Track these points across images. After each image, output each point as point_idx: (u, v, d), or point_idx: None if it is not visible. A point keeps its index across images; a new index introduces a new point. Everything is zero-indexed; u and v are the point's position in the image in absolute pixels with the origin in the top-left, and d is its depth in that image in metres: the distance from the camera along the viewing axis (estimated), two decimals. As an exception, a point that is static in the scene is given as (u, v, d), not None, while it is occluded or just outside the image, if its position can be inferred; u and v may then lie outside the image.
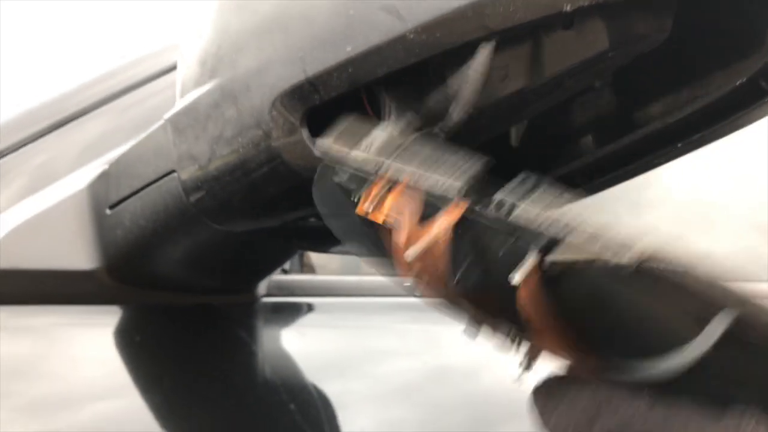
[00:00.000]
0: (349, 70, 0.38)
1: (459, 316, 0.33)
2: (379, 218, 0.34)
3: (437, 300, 0.33)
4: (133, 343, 0.61)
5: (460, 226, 0.29)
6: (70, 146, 0.67)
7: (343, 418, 0.62)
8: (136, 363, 0.60)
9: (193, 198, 0.49)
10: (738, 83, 0.35)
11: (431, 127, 0.40)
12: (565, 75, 0.35)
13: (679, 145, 0.39)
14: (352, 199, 0.36)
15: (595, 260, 0.24)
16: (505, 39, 0.36)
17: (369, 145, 0.37)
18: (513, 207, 0.27)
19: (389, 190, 0.33)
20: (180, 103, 0.50)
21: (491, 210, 0.27)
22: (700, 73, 0.37)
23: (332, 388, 0.63)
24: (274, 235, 0.53)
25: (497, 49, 0.36)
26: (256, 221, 0.50)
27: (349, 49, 0.38)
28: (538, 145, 0.47)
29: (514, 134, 0.46)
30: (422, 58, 0.36)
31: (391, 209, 0.33)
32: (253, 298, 0.66)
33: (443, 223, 0.30)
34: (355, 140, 0.37)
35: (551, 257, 0.25)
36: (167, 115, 0.52)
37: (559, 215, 0.25)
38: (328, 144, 0.37)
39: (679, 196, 0.99)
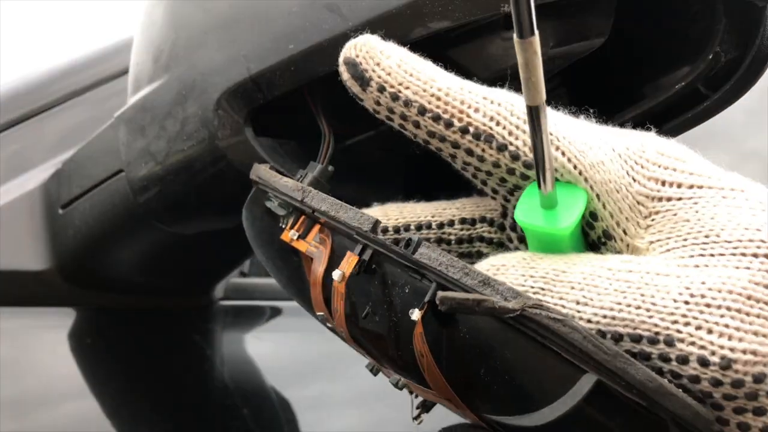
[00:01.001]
0: (292, 69, 0.38)
1: (356, 350, 0.34)
2: (303, 247, 0.34)
3: (346, 336, 0.34)
4: (84, 346, 0.60)
5: (372, 262, 0.30)
6: (45, 137, 0.66)
7: (298, 423, 0.61)
8: (86, 366, 0.59)
9: (141, 198, 0.49)
10: (677, 87, 0.35)
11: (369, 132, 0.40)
12: (504, 78, 0.35)
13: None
14: (280, 225, 0.36)
15: (484, 300, 0.25)
16: (446, 40, 0.35)
17: (304, 175, 0.37)
18: (419, 244, 0.28)
19: (316, 220, 0.33)
20: (130, 101, 0.50)
21: (401, 246, 0.28)
22: (639, 77, 0.37)
23: (289, 393, 0.63)
24: (228, 237, 0.52)
25: (439, 49, 0.36)
26: (205, 223, 0.50)
27: (291, 47, 0.38)
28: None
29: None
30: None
31: (313, 240, 0.34)
32: (210, 301, 0.65)
33: (351, 257, 0.31)
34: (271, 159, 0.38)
35: (442, 294, 0.26)
36: (117, 113, 0.51)
37: (456, 260, 0.27)
38: (263, 168, 0.37)
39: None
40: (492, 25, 0.35)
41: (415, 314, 0.27)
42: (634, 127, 0.37)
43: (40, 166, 0.63)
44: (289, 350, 0.67)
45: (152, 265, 0.58)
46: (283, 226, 0.36)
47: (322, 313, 0.35)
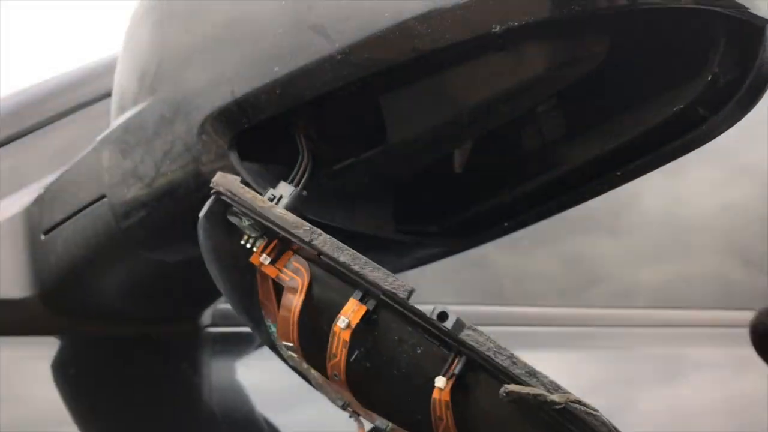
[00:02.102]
0: (277, 92, 0.37)
1: (327, 394, 0.36)
2: (272, 273, 0.34)
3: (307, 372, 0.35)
4: (68, 376, 0.58)
5: (378, 314, 0.32)
6: (28, 160, 0.66)
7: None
8: (70, 397, 0.57)
9: (123, 224, 0.48)
10: (676, 109, 0.34)
11: (358, 156, 0.40)
12: (500, 99, 0.34)
13: (619, 173, 0.38)
14: (243, 243, 0.35)
15: (540, 395, 0.29)
16: (437, 62, 0.35)
17: (276, 198, 0.36)
18: (462, 325, 0.31)
19: (289, 247, 0.33)
20: (113, 123, 0.49)
21: (433, 316, 0.31)
22: (639, 99, 0.37)
23: (278, 421, 0.61)
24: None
25: (429, 73, 0.35)
26: (189, 250, 0.48)
27: (276, 69, 0.37)
28: (483, 170, 0.46)
29: (458, 160, 0.45)
30: (351, 80, 0.35)
31: (285, 267, 0.34)
32: (197, 328, 0.64)
33: (357, 306, 0.32)
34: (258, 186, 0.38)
35: (510, 388, 0.29)
36: (100, 137, 0.50)
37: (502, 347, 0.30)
38: (235, 183, 0.36)
39: (656, 220, 1.00)
40: (481, 46, 0.34)
41: (441, 382, 0.31)
42: (634, 149, 0.37)
43: (23, 190, 0.62)
44: (279, 377, 0.65)
45: (137, 292, 0.57)
46: (247, 246, 0.36)
47: (290, 344, 0.35)
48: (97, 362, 0.60)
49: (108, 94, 0.69)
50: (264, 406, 0.63)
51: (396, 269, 0.55)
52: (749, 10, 0.30)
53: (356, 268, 0.32)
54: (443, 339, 0.31)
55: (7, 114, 0.69)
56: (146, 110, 0.44)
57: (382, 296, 0.32)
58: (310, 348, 0.35)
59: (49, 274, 0.56)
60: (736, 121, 0.34)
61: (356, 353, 0.33)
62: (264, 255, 0.35)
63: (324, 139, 0.41)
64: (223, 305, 0.69)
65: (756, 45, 0.32)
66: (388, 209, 0.46)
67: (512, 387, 0.29)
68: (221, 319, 0.66)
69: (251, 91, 0.37)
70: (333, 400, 0.37)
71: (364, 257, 0.32)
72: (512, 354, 0.30)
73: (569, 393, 0.29)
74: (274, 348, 0.39)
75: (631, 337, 0.86)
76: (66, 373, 0.58)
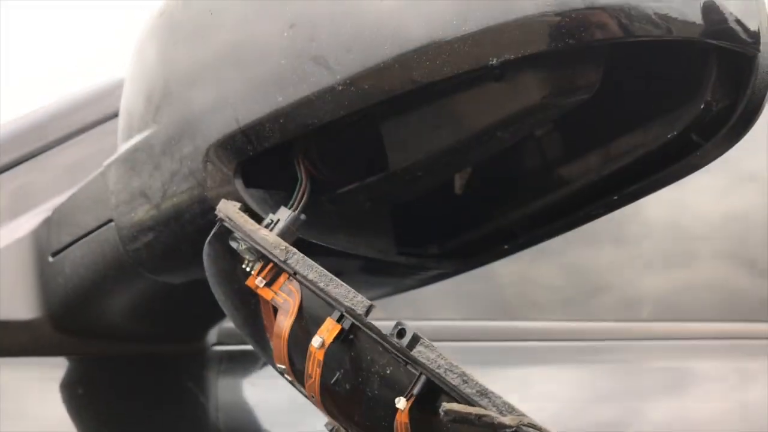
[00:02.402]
0: (281, 121, 0.38)
1: (320, 410, 0.36)
2: (268, 296, 0.34)
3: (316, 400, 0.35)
4: (76, 396, 0.59)
5: (351, 332, 0.32)
6: (35, 182, 0.66)
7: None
8: (79, 417, 0.58)
9: (130, 248, 0.48)
10: (670, 136, 0.35)
11: (360, 182, 0.40)
12: (498, 126, 0.35)
13: (615, 197, 0.38)
14: (244, 267, 0.37)
15: (485, 416, 0.27)
16: (437, 90, 0.35)
17: (273, 222, 0.37)
18: (416, 340, 0.30)
19: (282, 271, 0.34)
20: (120, 149, 0.50)
21: (392, 336, 0.30)
22: (634, 125, 0.37)
23: (283, 439, 0.62)
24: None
25: (429, 101, 0.36)
26: (194, 273, 0.49)
27: (280, 99, 0.37)
28: (483, 192, 0.47)
29: (458, 182, 0.46)
30: (353, 110, 0.35)
31: (280, 289, 0.35)
32: (203, 347, 0.64)
33: (332, 325, 0.32)
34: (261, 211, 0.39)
35: (448, 406, 0.28)
36: (107, 161, 0.51)
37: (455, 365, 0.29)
38: (233, 209, 0.37)
39: (660, 229, 1.00)
40: (479, 77, 0.34)
41: (401, 403, 0.30)
42: (630, 174, 0.37)
43: (30, 212, 0.63)
44: (284, 395, 0.66)
45: (143, 313, 0.58)
46: (248, 269, 0.37)
47: (283, 367, 0.35)
48: (104, 382, 0.60)
49: (113, 115, 0.70)
50: (269, 423, 0.63)
51: (399, 290, 0.55)
52: (740, 42, 0.31)
53: (321, 284, 0.32)
54: (402, 357, 0.30)
55: (13, 136, 0.69)
56: (153, 137, 0.45)
57: (344, 312, 0.32)
58: (300, 369, 0.35)
59: (57, 295, 0.57)
60: (729, 148, 0.34)
61: (337, 375, 0.34)
62: (259, 278, 0.36)
63: (327, 164, 0.42)
64: (229, 324, 0.69)
65: (747, 74, 0.32)
66: (389, 232, 0.46)
67: (451, 406, 0.28)
68: (227, 338, 0.66)
69: (255, 120, 0.38)
70: (326, 424, 0.37)
71: (332, 275, 0.33)
72: (464, 372, 0.29)
73: (523, 415, 0.28)
74: (277, 370, 0.39)
75: (636, 351, 0.87)
76: (74, 392, 0.59)
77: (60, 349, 0.59)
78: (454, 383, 0.28)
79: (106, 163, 0.51)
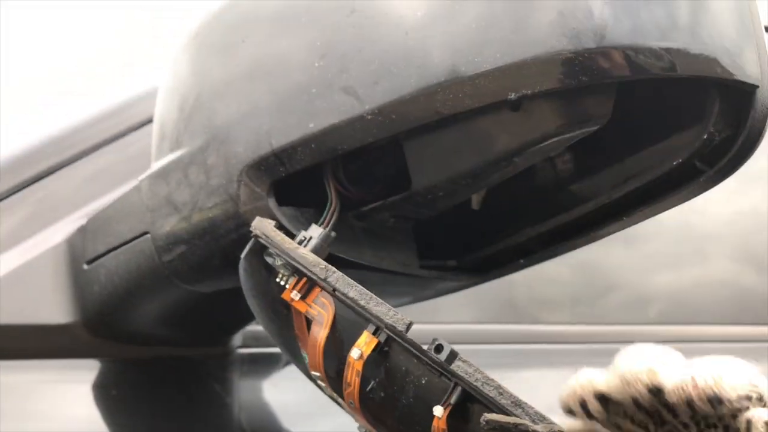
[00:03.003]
0: (312, 146, 0.40)
1: (355, 416, 0.38)
2: (303, 308, 0.37)
3: (355, 408, 0.37)
4: (109, 397, 0.62)
5: (387, 345, 0.34)
6: (67, 190, 0.68)
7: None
8: (111, 417, 0.61)
9: (165, 259, 0.51)
10: (676, 163, 0.37)
11: (384, 200, 0.43)
12: (514, 153, 0.37)
13: (624, 218, 0.41)
14: (278, 281, 0.39)
15: (521, 424, 0.30)
16: (458, 118, 0.38)
17: (306, 239, 0.40)
18: (454, 356, 0.32)
19: (315, 285, 0.36)
20: (153, 166, 0.52)
21: (431, 351, 0.33)
22: (643, 153, 0.40)
23: (305, 438, 0.64)
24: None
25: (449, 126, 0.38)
26: (225, 282, 0.52)
27: (312, 125, 0.40)
28: (499, 209, 0.49)
29: (476, 199, 0.48)
30: (379, 138, 0.38)
31: (314, 302, 0.37)
32: (229, 350, 0.67)
33: (369, 338, 0.35)
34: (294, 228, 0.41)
35: (489, 417, 0.30)
36: (142, 177, 0.54)
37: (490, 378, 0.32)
38: (270, 227, 0.39)
39: (673, 228, 1.00)
40: (499, 107, 0.37)
41: (438, 411, 0.32)
42: (639, 197, 0.40)
43: (63, 219, 0.65)
44: (306, 396, 0.69)
45: (173, 319, 0.60)
46: (282, 283, 0.40)
47: (318, 374, 0.37)
48: (135, 383, 0.63)
49: (138, 126, 0.73)
50: (289, 423, 0.66)
51: (417, 300, 0.58)
52: (741, 78, 0.34)
53: (362, 302, 0.35)
54: (439, 370, 0.33)
55: (41, 147, 0.71)
56: (187, 156, 0.48)
57: (384, 329, 0.34)
58: (335, 377, 0.38)
59: (91, 301, 0.59)
60: (730, 174, 0.37)
61: (372, 383, 0.36)
62: (294, 291, 0.39)
63: (353, 183, 0.45)
64: (252, 328, 0.72)
65: (747, 108, 0.35)
66: (412, 247, 0.49)
67: (492, 416, 0.30)
68: (252, 341, 0.69)
69: (288, 144, 0.41)
70: (358, 427, 0.40)
71: (370, 293, 0.35)
72: (500, 385, 0.31)
73: (554, 423, 0.30)
74: (309, 377, 0.42)
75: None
76: (108, 393, 0.62)
77: (94, 351, 0.61)
78: (491, 395, 0.31)
79: (140, 178, 0.54)
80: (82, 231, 0.62)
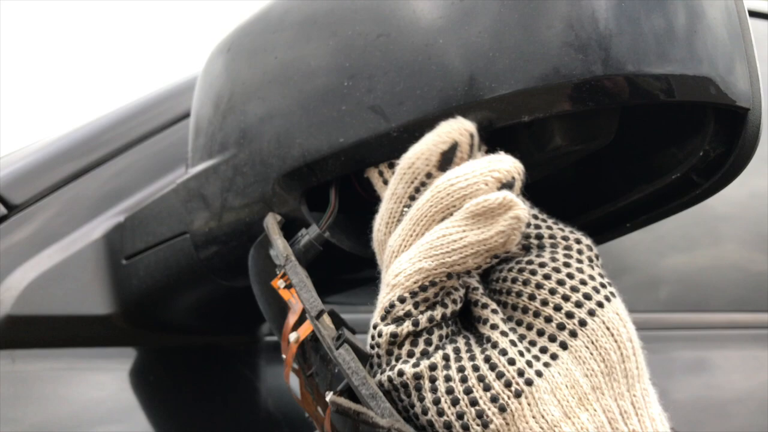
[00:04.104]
0: (342, 158, 0.44)
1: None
2: (286, 296, 0.41)
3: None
4: (147, 382, 0.66)
5: (316, 339, 0.38)
6: (103, 187, 0.71)
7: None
8: (149, 400, 0.65)
9: (203, 256, 0.55)
10: (674, 177, 0.41)
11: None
12: (525, 167, 0.40)
13: (628, 224, 0.44)
14: (275, 270, 0.43)
15: (363, 413, 0.33)
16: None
17: (302, 236, 0.44)
18: (342, 343, 0.35)
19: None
20: (191, 171, 0.56)
21: (334, 339, 0.36)
22: (644, 168, 0.43)
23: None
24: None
25: None
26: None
27: (342, 140, 0.43)
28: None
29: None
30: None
31: (294, 294, 0.41)
32: (257, 338, 0.71)
33: (308, 325, 0.38)
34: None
35: (332, 397, 0.34)
36: (180, 180, 0.57)
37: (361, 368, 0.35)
38: (272, 220, 0.43)
39: (686, 210, 0.98)
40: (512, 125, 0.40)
41: (329, 396, 0.34)
42: (641, 207, 0.43)
43: (99, 216, 0.69)
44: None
45: (208, 311, 0.65)
46: (277, 272, 0.43)
47: (284, 357, 0.42)
48: (171, 369, 0.68)
49: (172, 122, 0.76)
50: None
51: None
52: (733, 101, 0.37)
53: (297, 288, 0.39)
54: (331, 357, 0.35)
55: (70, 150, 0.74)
56: (223, 164, 0.51)
57: (307, 315, 0.37)
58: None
59: (131, 294, 0.64)
60: (725, 186, 0.40)
61: (313, 368, 0.39)
62: (281, 280, 0.42)
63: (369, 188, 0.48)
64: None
65: (739, 127, 0.38)
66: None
67: (336, 398, 0.33)
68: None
69: (319, 157, 0.44)
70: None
71: (306, 283, 0.39)
72: (366, 376, 0.33)
73: (400, 421, 0.31)
74: None
75: (661, 341, 0.90)
76: (146, 379, 0.66)
77: (133, 340, 0.66)
78: (355, 384, 0.33)
79: (178, 181, 0.57)
80: (119, 228, 0.66)
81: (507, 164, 0.36)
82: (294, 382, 0.46)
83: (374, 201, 0.49)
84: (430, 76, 0.40)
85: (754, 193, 1.05)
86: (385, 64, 0.42)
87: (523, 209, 0.35)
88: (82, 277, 0.65)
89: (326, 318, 0.37)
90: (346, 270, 0.57)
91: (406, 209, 0.38)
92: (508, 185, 0.35)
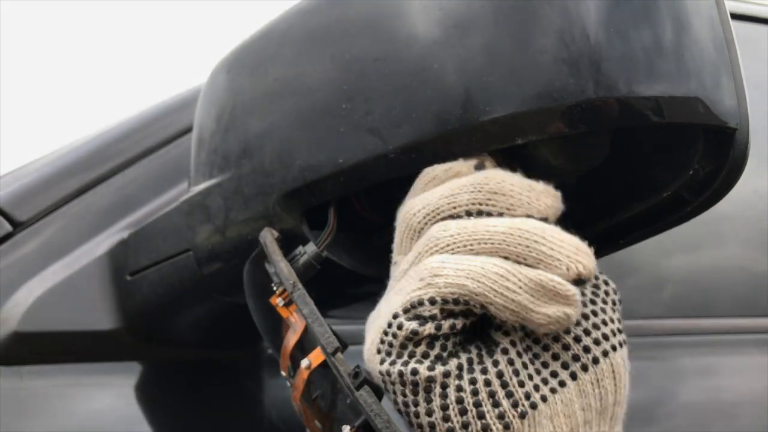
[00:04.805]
0: (341, 179, 0.45)
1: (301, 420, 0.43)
2: (285, 314, 0.42)
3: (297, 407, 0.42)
4: (151, 396, 0.67)
5: (325, 366, 0.39)
6: (106, 203, 0.71)
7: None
8: (153, 413, 0.66)
9: (206, 273, 0.56)
10: (664, 195, 0.42)
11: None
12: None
13: (621, 241, 0.45)
14: (272, 286, 0.44)
15: None
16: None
17: (300, 254, 0.45)
18: (363, 383, 0.36)
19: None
20: (194, 190, 0.57)
21: (350, 376, 0.37)
22: (632, 186, 0.44)
23: None
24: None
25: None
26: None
27: (341, 161, 0.44)
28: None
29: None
30: (402, 173, 0.42)
31: (294, 311, 0.42)
32: (259, 351, 0.72)
33: (320, 353, 0.40)
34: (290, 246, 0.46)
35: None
36: (183, 198, 0.58)
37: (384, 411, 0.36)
38: (270, 237, 0.44)
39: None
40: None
41: (346, 430, 0.36)
42: (632, 224, 0.44)
43: (103, 232, 0.70)
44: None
45: (210, 325, 0.66)
46: (275, 289, 0.44)
47: (284, 374, 0.43)
48: (174, 383, 0.69)
49: (175, 137, 0.76)
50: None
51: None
52: (721, 121, 0.38)
53: (309, 320, 0.40)
54: (349, 394, 0.36)
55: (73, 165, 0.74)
56: (225, 183, 0.52)
57: (321, 350, 0.38)
58: (292, 379, 0.43)
59: (134, 310, 0.65)
60: (714, 204, 0.41)
61: (318, 392, 0.40)
62: (279, 298, 0.43)
63: (375, 207, 0.49)
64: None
65: (727, 147, 0.39)
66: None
67: None
68: (280, 343, 0.74)
69: (319, 177, 0.45)
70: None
71: (318, 314, 0.40)
72: (389, 419, 0.35)
73: None
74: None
75: (661, 347, 0.90)
76: (150, 393, 0.67)
77: (137, 355, 0.67)
78: (379, 427, 0.35)
79: (182, 198, 0.58)
80: (123, 244, 0.67)
81: (593, 264, 0.37)
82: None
83: (373, 220, 0.50)
84: (426, 100, 0.41)
85: (758, 192, 1.04)
86: (381, 87, 0.43)
87: (576, 312, 0.36)
88: (88, 293, 0.66)
89: (340, 355, 0.38)
90: (347, 285, 0.58)
91: (459, 215, 0.39)
92: (581, 281, 0.37)
